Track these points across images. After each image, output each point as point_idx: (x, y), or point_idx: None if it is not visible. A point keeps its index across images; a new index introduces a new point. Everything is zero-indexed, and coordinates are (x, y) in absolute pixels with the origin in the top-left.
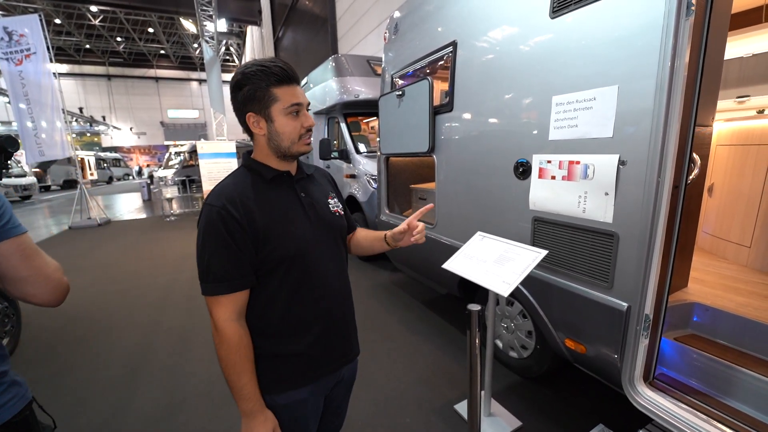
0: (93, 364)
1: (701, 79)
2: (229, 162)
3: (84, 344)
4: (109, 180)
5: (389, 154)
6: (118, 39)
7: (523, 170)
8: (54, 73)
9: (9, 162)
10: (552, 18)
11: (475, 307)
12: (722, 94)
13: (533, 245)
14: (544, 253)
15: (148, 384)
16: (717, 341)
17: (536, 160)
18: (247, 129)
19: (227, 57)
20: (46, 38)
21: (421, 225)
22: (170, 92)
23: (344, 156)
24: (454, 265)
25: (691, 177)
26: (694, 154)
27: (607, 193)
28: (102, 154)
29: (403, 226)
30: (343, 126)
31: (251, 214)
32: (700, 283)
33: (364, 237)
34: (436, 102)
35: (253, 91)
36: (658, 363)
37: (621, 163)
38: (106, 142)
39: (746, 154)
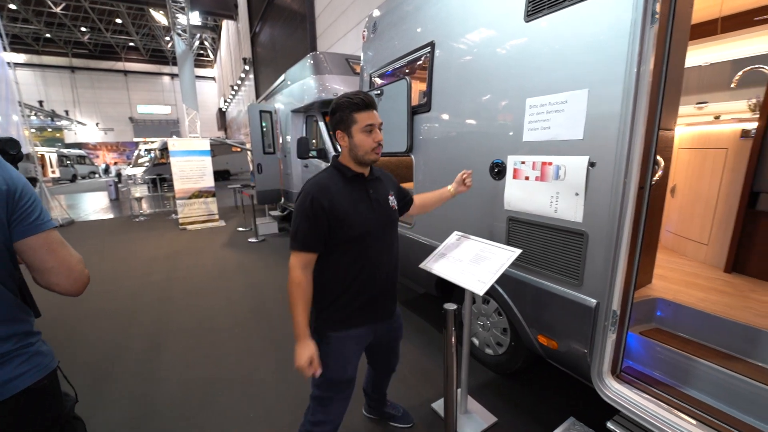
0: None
1: (665, 85)
2: (203, 160)
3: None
4: (73, 178)
5: None
6: (83, 29)
7: (498, 171)
8: (8, 63)
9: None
10: (526, 21)
11: (450, 306)
12: (683, 100)
13: (508, 244)
14: (517, 252)
15: (113, 395)
16: (679, 334)
17: (511, 161)
18: (335, 141)
19: (201, 51)
20: None
21: (468, 171)
22: (140, 86)
23: (322, 155)
24: (431, 264)
25: (655, 178)
26: (658, 157)
27: (577, 194)
28: (65, 151)
29: (457, 177)
30: (322, 125)
31: (333, 202)
32: (664, 279)
33: (426, 197)
34: (415, 102)
35: (341, 116)
36: (625, 356)
37: (590, 164)
38: (69, 138)
39: (705, 157)
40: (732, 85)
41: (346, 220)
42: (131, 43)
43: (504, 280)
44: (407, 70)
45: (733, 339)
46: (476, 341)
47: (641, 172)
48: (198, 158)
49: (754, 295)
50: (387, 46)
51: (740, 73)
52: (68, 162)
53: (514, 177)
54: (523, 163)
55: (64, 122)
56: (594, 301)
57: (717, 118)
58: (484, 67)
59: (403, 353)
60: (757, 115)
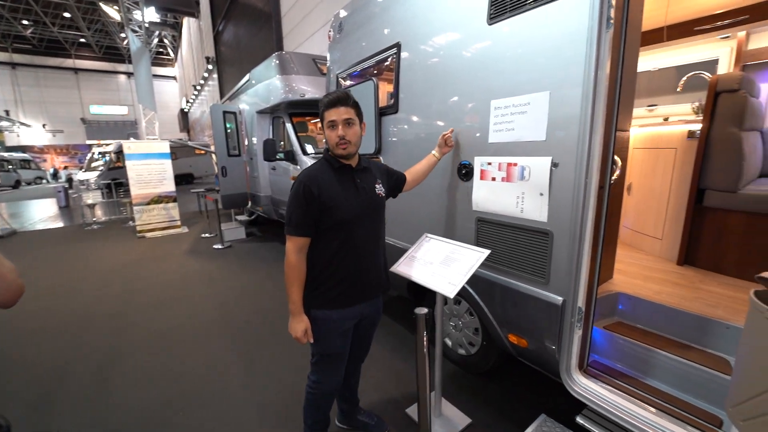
0: None
1: (620, 87)
2: (162, 163)
3: None
4: (16, 184)
5: None
6: (25, 22)
7: (465, 172)
8: None
9: None
10: (489, 24)
11: (421, 310)
12: (636, 103)
13: (477, 245)
14: (486, 252)
15: (55, 424)
16: (639, 327)
17: (478, 162)
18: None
19: (161, 49)
20: None
21: (448, 132)
22: (93, 86)
23: (290, 157)
24: (401, 268)
25: (613, 178)
26: (616, 157)
27: (542, 194)
28: (6, 155)
29: (439, 139)
30: (289, 126)
31: (322, 190)
32: (623, 273)
33: (416, 170)
34: (382, 103)
35: (320, 113)
36: (591, 351)
37: (553, 165)
38: (11, 140)
39: (657, 157)
40: (678, 89)
41: (334, 206)
42: (82, 40)
43: (474, 280)
44: (374, 71)
45: (687, 329)
46: (449, 342)
47: (601, 171)
48: (157, 161)
49: (703, 286)
50: (353, 47)
51: (684, 78)
52: (10, 167)
53: (482, 178)
54: (489, 164)
55: (4, 123)
56: (560, 298)
57: (666, 119)
58: (450, 68)
59: (376, 357)
60: (701, 117)
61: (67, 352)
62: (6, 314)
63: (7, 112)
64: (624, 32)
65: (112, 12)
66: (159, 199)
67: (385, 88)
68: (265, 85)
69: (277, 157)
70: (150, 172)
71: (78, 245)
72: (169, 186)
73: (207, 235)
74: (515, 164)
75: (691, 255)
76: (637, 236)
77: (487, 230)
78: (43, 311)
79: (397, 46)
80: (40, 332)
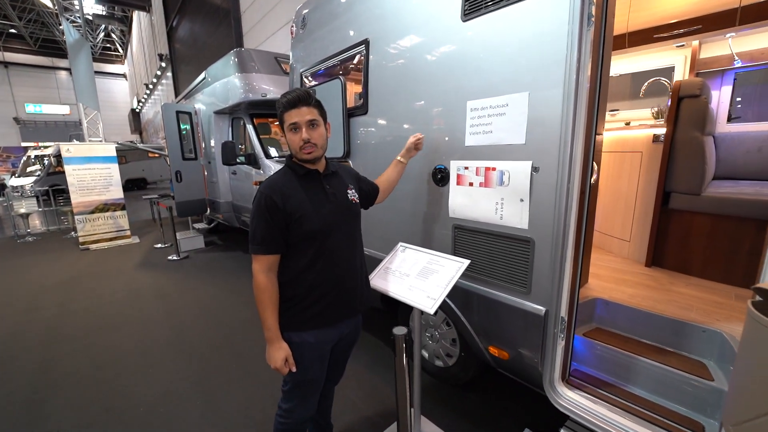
0: None
1: (600, 89)
2: (108, 168)
3: None
4: None
5: None
6: None
7: (441, 177)
8: None
9: None
10: (464, 21)
11: (400, 331)
12: None
13: (455, 254)
14: (466, 263)
15: None
16: (617, 332)
17: (454, 167)
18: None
19: (108, 45)
20: None
21: (418, 134)
22: (28, 82)
23: (252, 161)
24: (376, 281)
25: (591, 182)
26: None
27: (522, 200)
28: None
29: (409, 143)
30: (250, 128)
31: (287, 200)
32: (597, 277)
33: (386, 179)
34: (351, 104)
35: (279, 116)
36: (571, 360)
37: (534, 169)
38: None
39: (623, 160)
40: (640, 95)
41: (302, 216)
42: (13, 30)
43: (452, 291)
44: (342, 70)
45: (664, 333)
46: (425, 353)
47: (582, 175)
48: (102, 166)
49: (674, 288)
50: (318, 43)
51: (647, 83)
52: None
53: (458, 183)
54: (466, 168)
55: None
56: (542, 308)
57: (627, 124)
58: (423, 67)
59: (349, 374)
60: (661, 122)
61: None
62: None
63: None
64: (603, 31)
65: (45, 1)
66: (105, 207)
67: (354, 89)
68: (223, 84)
69: (238, 160)
70: (93, 178)
71: (8, 261)
72: (117, 193)
73: (161, 245)
74: (493, 168)
75: (658, 256)
76: (605, 238)
77: (465, 238)
78: None
79: (366, 43)
80: None
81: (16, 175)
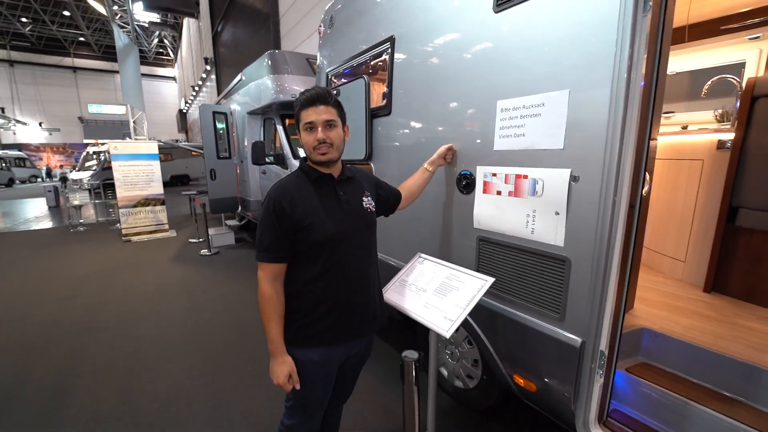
0: None
1: (656, 86)
2: (150, 165)
3: None
4: (10, 182)
5: None
6: (23, 20)
7: (466, 183)
8: None
9: None
10: (496, 12)
11: (410, 355)
12: None
13: (478, 268)
14: (489, 281)
15: None
16: (668, 370)
17: (480, 173)
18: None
19: (161, 50)
20: None
21: (452, 145)
22: (91, 85)
23: (280, 161)
24: (390, 294)
25: (643, 194)
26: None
27: (557, 213)
28: (0, 153)
29: (439, 151)
30: (280, 128)
31: (296, 206)
32: (644, 302)
33: (410, 186)
34: (375, 104)
35: (295, 114)
36: (611, 398)
37: (573, 178)
38: (7, 138)
39: (679, 169)
40: (702, 95)
41: (312, 225)
42: (81, 38)
43: (475, 308)
44: (366, 69)
45: (728, 377)
46: (444, 372)
47: (632, 187)
48: (145, 162)
49: (741, 321)
50: (345, 43)
51: (710, 81)
52: (4, 165)
53: (485, 191)
54: (494, 175)
55: (0, 121)
56: (579, 339)
57: (684, 128)
58: (450, 64)
59: (360, 388)
60: (727, 125)
61: (18, 373)
62: None
63: (2, 109)
64: (663, 21)
65: (99, 7)
66: (146, 202)
67: (379, 89)
68: (257, 85)
69: (267, 160)
70: (137, 174)
71: (59, 249)
72: (157, 188)
73: (195, 240)
74: (525, 176)
75: (720, 281)
76: (654, 256)
77: (491, 252)
78: (5, 323)
79: (391, 40)
80: None
81: (77, 169)
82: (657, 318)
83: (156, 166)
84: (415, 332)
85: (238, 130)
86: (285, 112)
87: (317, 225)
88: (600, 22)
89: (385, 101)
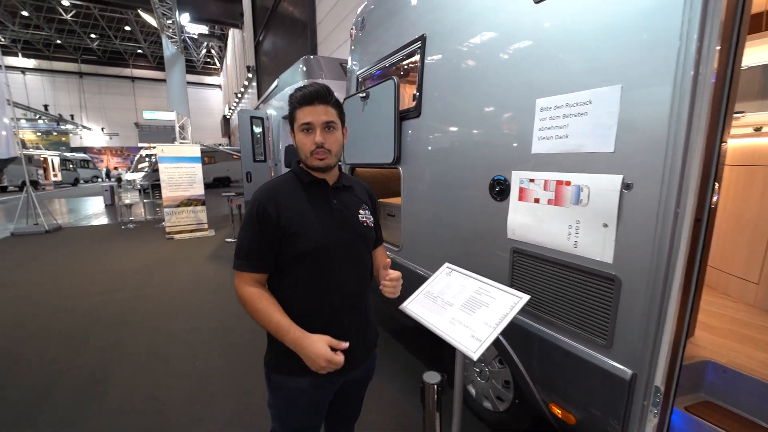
0: None
1: (731, 84)
2: (193, 167)
3: None
4: (75, 182)
5: (354, 164)
6: (92, 36)
7: (500, 189)
8: (22, 70)
9: None
10: (536, 2)
11: (432, 378)
12: None
13: (511, 282)
14: (524, 298)
15: None
16: (736, 412)
17: (516, 178)
18: None
19: (208, 60)
20: None
21: (393, 274)
22: (146, 93)
23: None
24: (414, 307)
25: (711, 205)
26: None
27: (606, 225)
28: (68, 155)
29: (383, 272)
30: None
31: (283, 211)
32: (708, 329)
33: (375, 258)
34: (404, 106)
35: (289, 114)
36: None
37: (625, 186)
38: (75, 142)
39: (751, 177)
40: None
41: (298, 233)
42: (139, 50)
43: (506, 326)
44: (396, 71)
45: None
46: (472, 390)
47: (699, 198)
48: (188, 165)
49: None
50: (375, 44)
51: None
52: (71, 166)
53: (521, 198)
54: (531, 181)
55: (69, 126)
56: (629, 371)
57: (758, 130)
58: (484, 61)
59: (375, 395)
60: None
61: (61, 361)
62: (23, 312)
63: (72, 116)
64: (742, 5)
65: (151, 20)
66: (188, 202)
67: (409, 91)
68: (292, 90)
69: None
70: (181, 175)
71: (109, 244)
72: (199, 189)
73: (231, 239)
74: (568, 183)
75: None
76: (719, 276)
77: (526, 265)
78: (55, 312)
79: (422, 39)
80: (46, 335)
81: (130, 170)
82: (724, 349)
83: (198, 168)
84: (441, 346)
85: (274, 134)
86: None
87: (304, 234)
88: (660, 8)
89: (415, 103)
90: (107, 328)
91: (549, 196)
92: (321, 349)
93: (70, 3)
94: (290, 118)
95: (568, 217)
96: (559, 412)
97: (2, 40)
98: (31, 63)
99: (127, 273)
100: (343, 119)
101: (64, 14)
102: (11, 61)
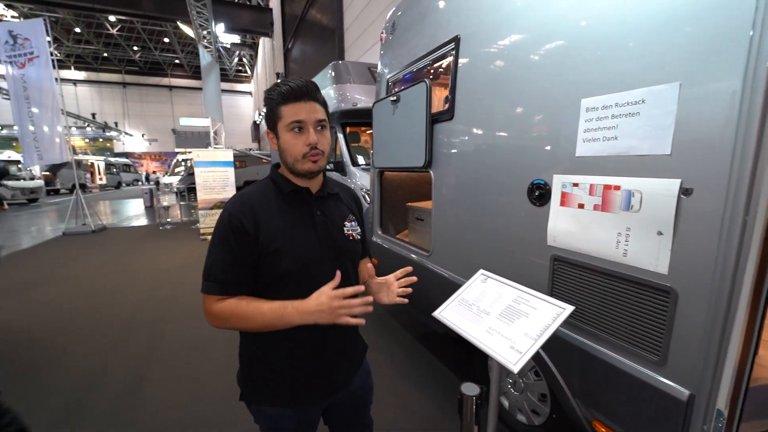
0: (33, 398)
1: None
2: (226, 171)
3: (32, 369)
4: (118, 185)
5: (383, 168)
6: (135, 48)
7: (540, 194)
8: (74, 81)
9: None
10: None
11: (471, 390)
12: None
13: (551, 292)
14: (568, 309)
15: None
16: None
17: (558, 182)
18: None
19: (240, 67)
20: (49, 42)
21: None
22: (183, 100)
23: (340, 168)
24: (447, 314)
25: None
26: None
27: (661, 233)
28: (112, 160)
29: (381, 279)
30: (340, 136)
31: (260, 224)
32: None
33: (360, 271)
34: (436, 109)
35: (269, 110)
36: None
37: (684, 191)
38: (118, 147)
39: None
40: None
41: (278, 251)
42: (176, 60)
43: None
44: (427, 73)
45: None
46: (505, 402)
47: None
48: (221, 169)
49: None
50: (406, 47)
51: None
52: (114, 170)
53: (563, 204)
54: (575, 185)
55: (113, 133)
56: (686, 391)
57: None
58: (523, 61)
59: (414, 408)
60: None
61: (104, 356)
62: (73, 306)
63: (116, 123)
64: None
65: (189, 30)
66: (221, 205)
67: (440, 93)
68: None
69: (327, 167)
70: (215, 179)
71: (149, 244)
72: (231, 192)
73: None
74: (617, 187)
75: None
76: None
77: (568, 274)
78: (102, 308)
79: (456, 40)
80: (94, 330)
81: (168, 174)
82: None
83: (230, 172)
84: (472, 356)
85: None
86: (345, 120)
87: (286, 252)
88: None
89: (447, 105)
90: (149, 325)
91: (595, 202)
92: (323, 304)
93: (116, 18)
94: (271, 116)
95: (616, 224)
96: (604, 430)
97: (58, 55)
98: (81, 75)
99: (167, 271)
100: (329, 118)
101: (110, 29)
102: (65, 74)
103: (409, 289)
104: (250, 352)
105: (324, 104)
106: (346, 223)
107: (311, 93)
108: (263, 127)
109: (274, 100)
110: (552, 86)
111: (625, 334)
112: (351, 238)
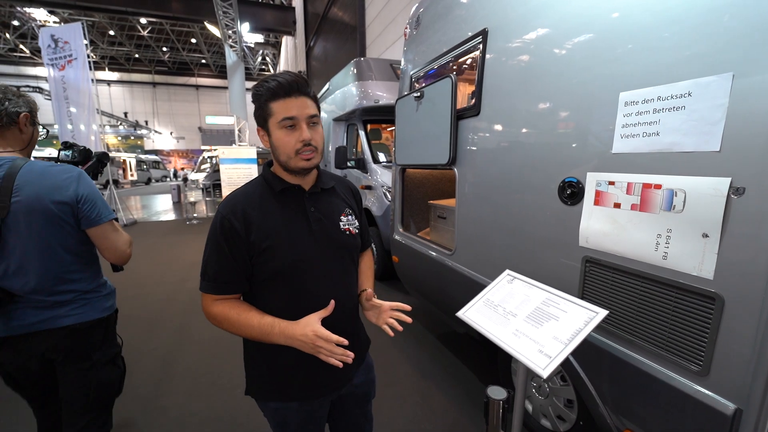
0: None
1: None
2: (249, 168)
3: None
4: (148, 181)
5: (405, 165)
6: (164, 49)
7: (571, 192)
8: (108, 82)
9: (102, 170)
10: None
11: (498, 394)
12: None
13: (582, 295)
14: (602, 313)
15: None
16: None
17: (592, 180)
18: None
19: (263, 67)
20: (86, 45)
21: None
22: (209, 99)
23: (361, 165)
24: (472, 314)
25: None
26: None
27: (706, 235)
28: (143, 157)
29: (377, 302)
30: (362, 133)
31: (251, 226)
32: None
33: (361, 262)
34: (461, 105)
35: (258, 107)
36: None
37: (734, 191)
38: (148, 145)
39: None
40: None
41: (270, 249)
42: (203, 61)
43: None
44: (452, 69)
45: None
46: (529, 407)
47: None
48: (245, 166)
49: None
50: (431, 42)
51: None
52: (145, 166)
53: (597, 203)
54: (611, 183)
55: (144, 131)
56: (731, 405)
57: None
58: (555, 54)
59: (435, 408)
60: None
61: (141, 343)
62: None
63: (146, 122)
64: None
65: (215, 31)
66: None
67: (465, 89)
68: (342, 92)
69: (348, 164)
70: (239, 176)
71: (177, 238)
72: None
73: None
74: (657, 186)
75: None
76: None
77: (601, 276)
78: (135, 298)
79: (483, 33)
80: (128, 319)
81: (194, 171)
82: None
83: (254, 168)
84: (495, 358)
85: (324, 136)
86: (367, 117)
87: (278, 250)
88: None
89: (473, 101)
90: (178, 315)
91: (633, 201)
92: (309, 331)
93: (147, 20)
94: (261, 113)
95: (656, 225)
96: None
97: (94, 56)
98: (115, 75)
99: (193, 264)
100: (319, 113)
101: (141, 31)
102: (100, 74)
103: (398, 326)
104: (252, 346)
105: (315, 99)
106: (342, 217)
107: (301, 88)
108: None
109: (263, 96)
110: (586, 79)
111: (663, 341)
112: (348, 232)
